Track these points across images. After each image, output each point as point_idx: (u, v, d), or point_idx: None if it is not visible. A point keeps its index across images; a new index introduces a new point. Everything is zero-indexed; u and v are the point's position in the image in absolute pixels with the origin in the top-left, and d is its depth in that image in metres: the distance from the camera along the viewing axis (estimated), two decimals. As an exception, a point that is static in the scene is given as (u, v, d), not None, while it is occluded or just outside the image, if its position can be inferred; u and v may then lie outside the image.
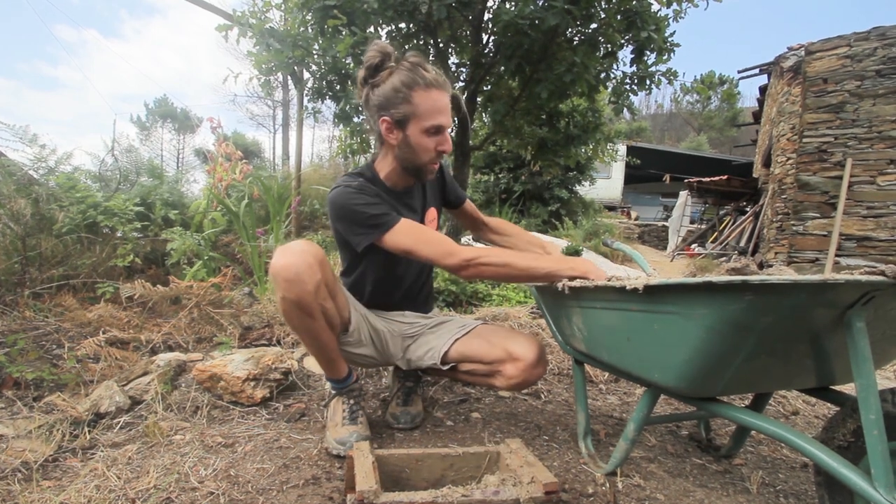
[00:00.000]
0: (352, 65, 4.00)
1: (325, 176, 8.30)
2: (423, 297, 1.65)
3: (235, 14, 4.08)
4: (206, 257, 3.18)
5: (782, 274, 0.86)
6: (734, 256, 8.40)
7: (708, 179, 11.06)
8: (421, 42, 4.39)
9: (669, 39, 4.02)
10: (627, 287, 0.93)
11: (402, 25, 4.22)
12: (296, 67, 4.19)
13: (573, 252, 1.53)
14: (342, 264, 1.61)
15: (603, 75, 4.26)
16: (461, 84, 4.74)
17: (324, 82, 4.19)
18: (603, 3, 3.83)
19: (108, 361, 1.90)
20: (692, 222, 12.25)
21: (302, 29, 4.11)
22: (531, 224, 9.94)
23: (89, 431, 1.45)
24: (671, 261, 9.53)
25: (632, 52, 4.16)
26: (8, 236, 2.81)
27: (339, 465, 1.29)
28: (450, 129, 1.35)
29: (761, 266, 6.58)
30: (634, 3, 3.79)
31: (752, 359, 0.87)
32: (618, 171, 17.83)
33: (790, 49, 6.92)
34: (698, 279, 0.81)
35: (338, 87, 4.20)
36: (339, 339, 1.43)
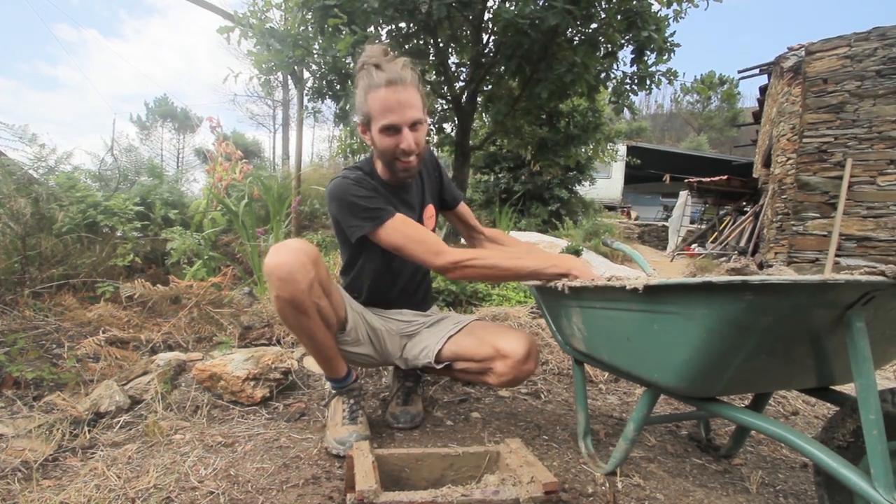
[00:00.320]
0: (352, 64, 4.00)
1: (325, 176, 8.29)
2: (420, 294, 1.66)
3: (236, 14, 4.09)
4: (206, 257, 3.18)
5: (782, 274, 0.86)
6: (734, 256, 8.41)
7: (708, 179, 11.06)
8: (421, 42, 4.39)
9: (670, 39, 4.03)
10: (627, 287, 0.93)
11: (402, 25, 4.22)
12: (296, 67, 4.19)
13: (573, 252, 1.53)
14: (342, 259, 1.62)
15: (603, 75, 4.26)
16: (461, 84, 4.74)
17: (324, 82, 4.20)
18: (603, 3, 3.84)
19: (107, 361, 1.90)
20: (692, 222, 12.25)
21: (302, 28, 4.11)
22: (531, 224, 9.94)
23: (89, 431, 1.45)
24: (671, 261, 9.53)
25: (632, 52, 4.17)
26: (8, 236, 2.81)
27: (338, 465, 1.29)
28: (414, 125, 1.34)
29: (761, 266, 6.58)
30: (635, 3, 3.79)
31: (751, 359, 0.87)
32: (618, 171, 17.82)
33: (790, 49, 6.92)
34: (698, 279, 0.81)
35: (338, 87, 4.21)
36: (336, 338, 1.43)
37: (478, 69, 4.44)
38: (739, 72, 9.15)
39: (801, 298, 0.77)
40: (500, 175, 11.33)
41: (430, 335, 1.54)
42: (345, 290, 1.53)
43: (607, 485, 1.22)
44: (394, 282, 1.57)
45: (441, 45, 4.39)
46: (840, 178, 5.71)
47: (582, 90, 4.26)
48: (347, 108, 4.19)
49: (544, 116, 5.26)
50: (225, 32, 3.98)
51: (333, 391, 1.47)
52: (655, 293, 0.91)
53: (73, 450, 1.35)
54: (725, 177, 10.94)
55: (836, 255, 5.66)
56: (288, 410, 1.64)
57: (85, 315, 2.35)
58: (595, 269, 1.28)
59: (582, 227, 9.43)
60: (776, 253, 6.64)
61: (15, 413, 1.54)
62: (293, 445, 1.39)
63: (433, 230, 1.63)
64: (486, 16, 4.34)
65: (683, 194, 11.94)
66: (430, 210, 1.59)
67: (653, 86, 4.21)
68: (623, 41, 4.13)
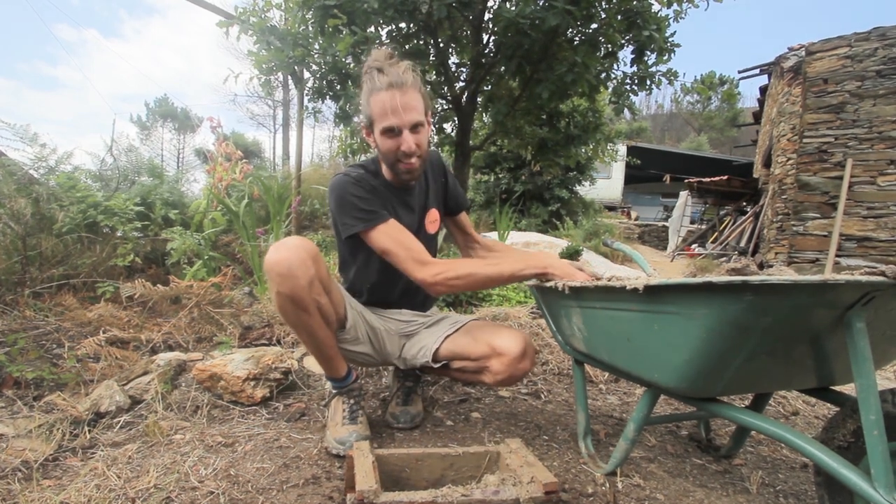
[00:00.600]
0: (352, 64, 4.00)
1: (325, 176, 8.30)
2: (421, 295, 1.66)
3: (237, 11, 4.09)
4: (206, 257, 3.18)
5: (782, 274, 0.86)
6: (734, 257, 8.41)
7: (708, 180, 11.07)
8: (421, 42, 4.39)
9: (670, 39, 4.03)
10: (627, 287, 0.93)
11: (403, 25, 4.22)
12: (296, 67, 4.19)
13: (573, 252, 1.52)
14: (338, 255, 1.63)
15: (603, 75, 4.26)
16: (461, 84, 4.74)
17: (324, 82, 4.20)
18: (603, 3, 3.84)
19: (108, 361, 1.90)
20: (692, 222, 12.24)
21: (302, 28, 4.12)
22: (531, 224, 9.94)
23: (89, 431, 1.45)
24: (671, 261, 9.53)
25: (632, 53, 4.17)
26: (8, 236, 2.81)
27: (339, 465, 1.29)
28: (414, 127, 1.34)
29: (761, 266, 6.58)
30: (635, 3, 3.79)
31: (752, 359, 0.87)
32: (618, 171, 17.82)
33: (790, 49, 6.92)
34: (698, 279, 0.81)
35: (338, 87, 4.20)
36: (336, 337, 1.43)
37: (478, 69, 4.44)
38: (739, 72, 9.16)
39: (802, 299, 0.77)
40: (500, 175, 11.33)
41: (429, 335, 1.55)
42: (346, 290, 1.53)
43: (607, 485, 1.22)
44: (395, 283, 1.57)
45: (441, 45, 4.39)
46: (840, 178, 5.71)
47: (582, 90, 4.26)
48: (348, 108, 4.19)
49: (544, 116, 5.26)
50: (224, 27, 3.99)
51: (334, 391, 1.47)
52: (656, 293, 0.91)
53: (73, 450, 1.35)
54: (726, 177, 10.95)
55: (837, 256, 5.66)
56: (288, 410, 1.64)
57: (85, 315, 2.35)
58: (594, 268, 1.28)
59: (582, 227, 9.43)
60: (776, 253, 6.64)
61: (15, 413, 1.54)
62: (293, 445, 1.39)
63: (436, 233, 1.63)
64: (487, 16, 4.34)
65: (683, 194, 11.94)
66: (432, 214, 1.59)
67: (653, 86, 4.21)
68: (623, 41, 4.12)
